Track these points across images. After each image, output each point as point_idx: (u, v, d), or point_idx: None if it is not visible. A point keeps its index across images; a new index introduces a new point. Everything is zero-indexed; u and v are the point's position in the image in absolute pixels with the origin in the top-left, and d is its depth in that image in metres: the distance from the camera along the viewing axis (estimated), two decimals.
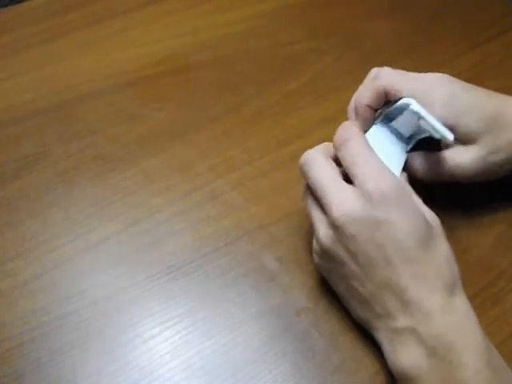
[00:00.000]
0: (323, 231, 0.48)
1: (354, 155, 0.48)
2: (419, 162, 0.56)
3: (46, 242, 0.55)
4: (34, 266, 0.53)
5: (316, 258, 0.51)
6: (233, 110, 0.68)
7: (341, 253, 0.47)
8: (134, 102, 0.68)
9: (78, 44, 0.75)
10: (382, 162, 0.48)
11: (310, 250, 0.55)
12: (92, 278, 0.52)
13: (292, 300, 0.52)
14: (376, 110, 0.55)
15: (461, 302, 0.45)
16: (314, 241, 0.50)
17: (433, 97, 0.54)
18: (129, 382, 0.47)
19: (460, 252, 0.55)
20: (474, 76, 0.71)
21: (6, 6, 0.80)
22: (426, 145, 0.55)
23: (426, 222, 0.47)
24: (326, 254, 0.49)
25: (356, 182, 0.47)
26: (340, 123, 0.64)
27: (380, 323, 0.47)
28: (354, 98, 0.57)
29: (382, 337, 0.47)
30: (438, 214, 0.58)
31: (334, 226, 0.46)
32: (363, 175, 0.47)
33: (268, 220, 0.57)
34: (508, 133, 0.54)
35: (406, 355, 0.44)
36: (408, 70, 0.70)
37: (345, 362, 0.48)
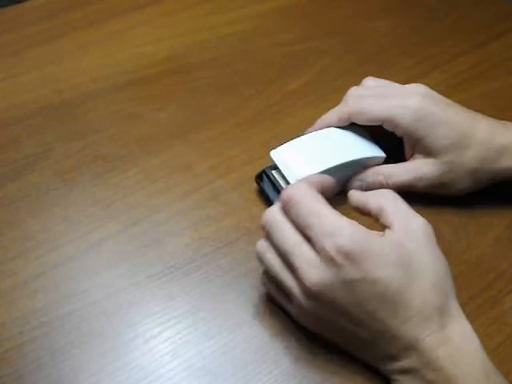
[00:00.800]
0: (302, 297, 0.45)
1: (303, 216, 0.46)
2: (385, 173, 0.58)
3: (47, 242, 0.55)
4: (35, 266, 0.53)
5: (300, 318, 0.48)
6: (233, 110, 0.68)
7: (326, 313, 0.45)
8: (134, 101, 0.68)
9: (78, 44, 0.75)
10: (336, 213, 0.46)
11: None
12: (92, 278, 0.52)
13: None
14: None
15: (455, 329, 0.44)
16: (293, 304, 0.47)
17: (406, 109, 0.56)
18: (129, 382, 0.47)
19: (460, 252, 0.56)
20: (474, 76, 0.71)
21: (6, 6, 0.80)
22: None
23: (399, 252, 0.45)
24: (310, 315, 0.47)
25: (314, 244, 0.45)
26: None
27: (381, 364, 0.46)
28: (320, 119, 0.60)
29: (388, 374, 0.46)
30: (437, 214, 0.58)
31: (312, 294, 0.45)
32: (317, 236, 0.44)
33: None
34: (470, 151, 0.56)
35: None
36: (408, 70, 0.70)
37: (345, 363, 0.48)
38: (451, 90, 0.69)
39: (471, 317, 0.51)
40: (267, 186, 0.58)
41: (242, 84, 0.71)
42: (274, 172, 0.58)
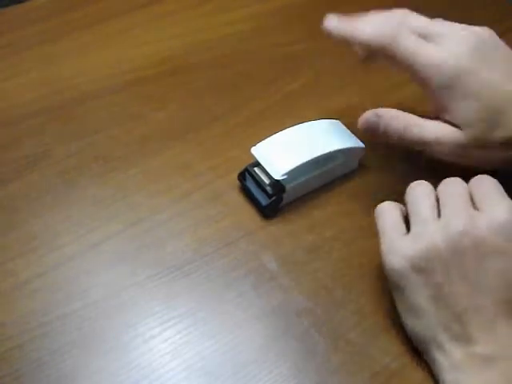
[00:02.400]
0: (441, 239, 0.45)
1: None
2: (397, 121, 0.55)
3: (47, 242, 0.55)
4: (35, 266, 0.53)
5: (399, 263, 0.47)
6: (233, 110, 0.68)
7: (455, 267, 0.45)
8: (134, 101, 0.68)
9: (78, 44, 0.75)
10: None
11: (311, 251, 0.55)
12: (93, 278, 0.53)
13: (292, 300, 0.52)
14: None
15: None
16: (409, 243, 0.47)
17: (440, 68, 0.52)
18: (129, 382, 0.47)
19: None
20: None
21: (7, 6, 0.80)
22: None
23: None
24: (430, 262, 0.46)
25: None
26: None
27: (451, 345, 0.45)
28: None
29: (450, 360, 0.45)
30: None
31: (455, 242, 0.45)
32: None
33: (268, 220, 0.58)
34: (500, 131, 0.52)
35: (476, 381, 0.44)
36: None
37: (345, 362, 0.48)
38: None
39: None
40: (250, 184, 0.58)
41: (242, 84, 0.71)
42: (255, 169, 0.58)
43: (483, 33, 0.54)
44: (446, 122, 0.54)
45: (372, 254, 0.55)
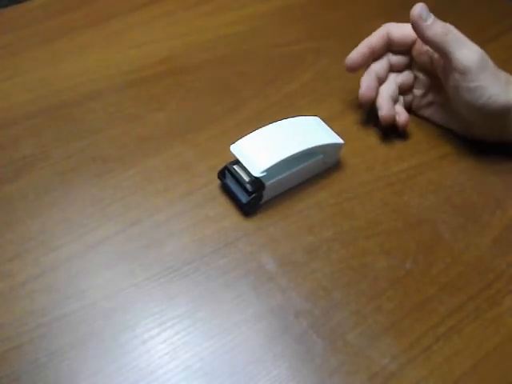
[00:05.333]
0: None
1: None
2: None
3: (45, 243, 0.55)
4: (33, 267, 0.53)
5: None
6: (232, 110, 0.68)
7: None
8: (133, 102, 0.68)
9: (77, 44, 0.75)
10: None
11: (309, 251, 0.55)
12: (91, 279, 0.52)
13: (291, 301, 0.52)
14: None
15: None
16: None
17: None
18: (127, 383, 0.47)
19: (459, 253, 0.56)
20: None
21: (6, 6, 0.80)
22: None
23: None
24: None
25: None
26: (340, 123, 0.65)
27: None
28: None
29: None
30: (436, 215, 0.59)
31: None
32: None
33: (267, 221, 0.57)
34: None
35: None
36: None
37: (343, 363, 0.48)
38: None
39: (470, 317, 0.51)
40: (230, 182, 0.58)
41: (241, 84, 0.71)
42: (235, 167, 0.58)
43: None
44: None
45: (371, 255, 0.55)
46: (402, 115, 0.65)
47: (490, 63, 0.59)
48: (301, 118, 0.61)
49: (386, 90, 0.65)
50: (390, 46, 0.65)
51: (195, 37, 0.77)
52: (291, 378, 0.48)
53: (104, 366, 0.47)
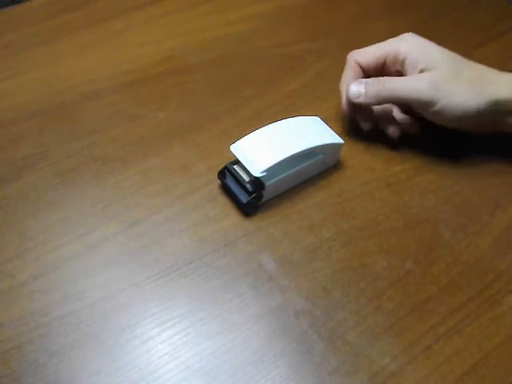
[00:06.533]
0: None
1: None
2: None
3: (45, 243, 0.55)
4: (33, 267, 0.53)
5: None
6: (232, 111, 0.68)
7: None
8: (133, 102, 0.68)
9: (77, 44, 0.75)
10: None
11: (309, 252, 0.55)
12: (91, 279, 0.52)
13: (290, 301, 0.52)
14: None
15: None
16: None
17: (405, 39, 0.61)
18: (127, 383, 0.47)
19: (459, 253, 0.56)
20: None
21: (7, 6, 0.80)
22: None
23: None
24: None
25: None
26: (340, 123, 0.65)
27: None
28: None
29: None
30: (437, 215, 0.59)
31: None
32: None
33: (267, 221, 0.57)
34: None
35: None
36: None
37: (343, 363, 0.48)
38: None
39: (470, 317, 0.51)
40: (230, 182, 0.58)
41: (241, 84, 0.71)
42: (235, 167, 0.58)
43: None
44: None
45: (371, 255, 0.55)
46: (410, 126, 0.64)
47: (445, 75, 0.58)
48: (301, 118, 0.61)
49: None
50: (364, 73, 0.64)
51: (195, 37, 0.77)
52: (291, 377, 0.48)
53: (104, 366, 0.47)
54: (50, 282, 0.52)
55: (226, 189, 0.59)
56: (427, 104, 0.58)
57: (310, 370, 0.48)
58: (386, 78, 0.60)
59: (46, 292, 0.51)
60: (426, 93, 0.57)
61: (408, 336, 0.50)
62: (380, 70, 0.63)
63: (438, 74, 0.58)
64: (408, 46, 0.60)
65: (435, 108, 0.58)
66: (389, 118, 0.64)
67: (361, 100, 0.60)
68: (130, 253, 0.55)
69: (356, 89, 0.60)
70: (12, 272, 0.52)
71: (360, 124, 0.65)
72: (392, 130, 0.64)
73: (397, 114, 0.63)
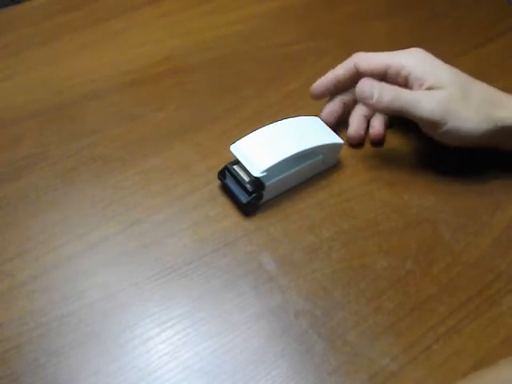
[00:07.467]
0: None
1: None
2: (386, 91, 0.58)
3: (45, 243, 0.55)
4: (33, 267, 0.53)
5: None
6: (232, 111, 0.68)
7: None
8: (133, 102, 0.68)
9: (77, 44, 0.75)
10: None
11: (309, 252, 0.55)
12: (91, 279, 0.52)
13: (291, 301, 0.52)
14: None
15: None
16: None
17: (411, 54, 0.61)
18: (127, 383, 0.47)
19: (458, 253, 0.56)
20: (473, 76, 0.71)
21: (7, 6, 0.80)
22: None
23: None
24: None
25: None
26: (339, 123, 0.65)
27: None
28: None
29: None
30: (436, 215, 0.58)
31: None
32: None
33: (267, 221, 0.57)
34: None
35: None
36: None
37: (343, 363, 0.48)
38: None
39: (470, 317, 0.51)
40: (230, 182, 0.58)
41: (241, 84, 0.71)
42: (235, 167, 0.58)
43: None
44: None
45: (371, 255, 0.55)
46: (375, 128, 0.64)
47: (454, 95, 0.57)
48: (301, 118, 0.61)
49: (359, 109, 0.65)
50: (358, 78, 0.60)
51: (195, 37, 0.77)
52: (291, 377, 0.48)
53: (103, 366, 0.47)
54: (50, 282, 0.52)
55: (225, 189, 0.59)
56: (436, 125, 0.57)
57: (310, 369, 0.48)
58: (401, 89, 0.58)
59: (46, 292, 0.51)
60: (436, 113, 0.56)
61: (408, 336, 0.50)
62: (378, 79, 0.61)
63: (446, 94, 0.57)
64: (414, 62, 0.59)
65: (443, 129, 0.57)
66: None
67: (373, 102, 0.58)
68: (129, 253, 0.54)
69: (369, 89, 0.58)
70: (11, 272, 0.52)
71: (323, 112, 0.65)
72: (353, 131, 0.64)
73: (377, 124, 0.64)
